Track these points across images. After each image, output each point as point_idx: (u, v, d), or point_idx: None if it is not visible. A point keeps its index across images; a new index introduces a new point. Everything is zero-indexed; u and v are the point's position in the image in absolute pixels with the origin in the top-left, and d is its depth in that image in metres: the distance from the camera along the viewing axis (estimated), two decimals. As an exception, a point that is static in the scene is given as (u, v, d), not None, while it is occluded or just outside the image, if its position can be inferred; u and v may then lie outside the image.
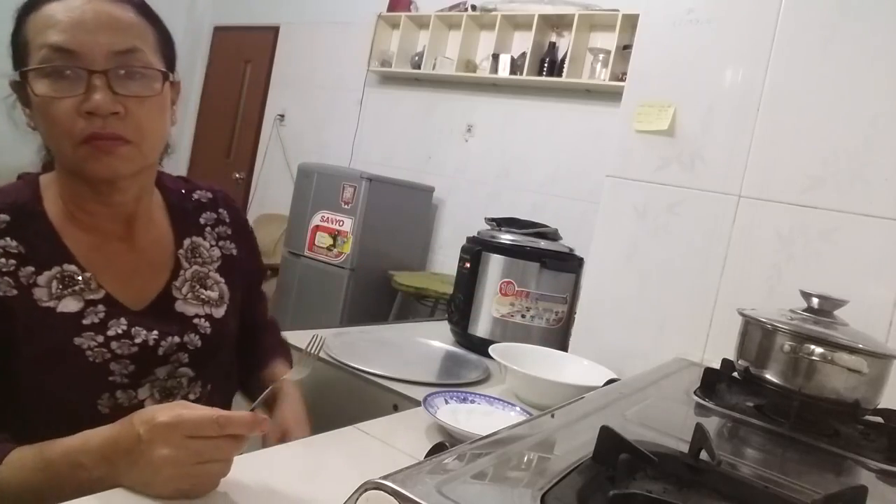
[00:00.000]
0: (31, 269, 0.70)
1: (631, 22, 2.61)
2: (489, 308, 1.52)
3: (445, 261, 3.41)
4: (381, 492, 0.41)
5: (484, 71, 3.28)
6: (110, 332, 0.73)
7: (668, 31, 1.30)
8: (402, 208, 3.27)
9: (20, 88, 0.72)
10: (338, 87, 3.98)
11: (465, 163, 3.43)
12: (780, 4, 1.17)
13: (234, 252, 0.91)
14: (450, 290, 1.69)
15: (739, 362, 0.93)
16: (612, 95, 2.77)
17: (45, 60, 0.68)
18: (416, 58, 3.52)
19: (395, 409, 1.05)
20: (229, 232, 0.91)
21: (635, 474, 0.53)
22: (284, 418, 0.86)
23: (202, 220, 0.89)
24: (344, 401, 1.13)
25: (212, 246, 0.88)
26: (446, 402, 0.94)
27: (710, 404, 0.86)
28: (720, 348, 1.13)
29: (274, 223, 4.02)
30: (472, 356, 1.37)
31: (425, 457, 0.53)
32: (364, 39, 3.71)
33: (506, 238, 1.58)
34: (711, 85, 1.24)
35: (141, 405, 0.74)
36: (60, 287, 0.71)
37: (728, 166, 1.21)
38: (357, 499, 0.42)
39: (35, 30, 0.70)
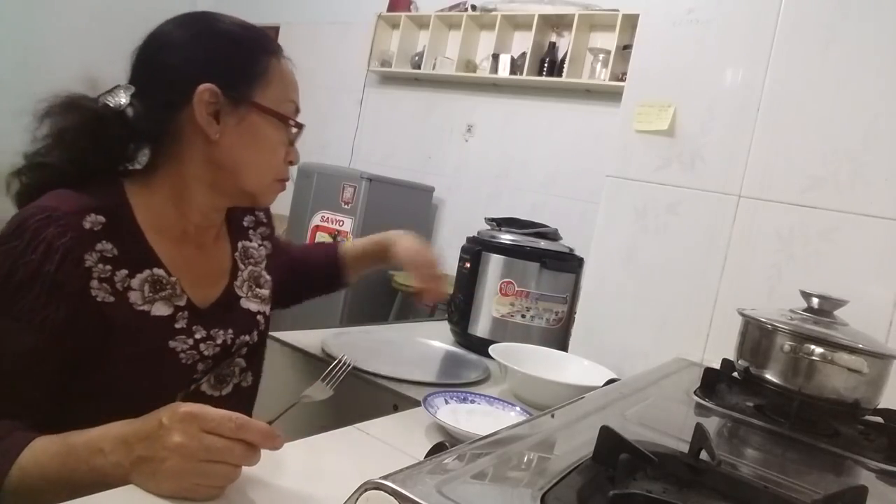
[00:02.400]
0: (124, 272, 0.72)
1: (631, 22, 2.60)
2: (489, 308, 1.51)
3: (445, 261, 3.41)
4: (381, 492, 0.41)
5: (484, 71, 3.28)
6: (197, 336, 0.78)
7: (668, 31, 1.30)
8: (402, 208, 3.26)
9: (232, 103, 0.77)
10: (338, 87, 3.98)
11: (465, 163, 3.43)
12: (780, 4, 1.17)
13: (271, 251, 0.99)
14: (450, 290, 1.69)
15: (739, 362, 0.93)
16: (612, 95, 2.77)
17: (291, 113, 0.82)
18: (416, 58, 3.51)
19: (395, 409, 1.05)
20: (268, 232, 1.00)
21: (635, 474, 0.53)
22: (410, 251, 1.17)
23: (245, 223, 0.96)
24: (344, 401, 1.12)
25: (259, 245, 0.96)
26: (446, 402, 0.94)
27: (710, 404, 0.86)
28: (720, 348, 1.13)
29: (274, 223, 4.01)
30: (472, 356, 1.37)
31: (425, 457, 0.53)
32: (364, 39, 3.70)
33: (506, 238, 1.58)
34: (711, 85, 1.24)
35: (197, 390, 0.81)
36: (151, 292, 0.75)
37: (728, 166, 1.21)
38: (357, 499, 0.42)
39: (280, 80, 0.81)
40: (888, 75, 1.07)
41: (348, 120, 3.96)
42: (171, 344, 0.75)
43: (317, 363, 1.19)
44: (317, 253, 1.21)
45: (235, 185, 0.81)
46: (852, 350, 0.79)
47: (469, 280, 1.54)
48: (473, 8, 3.31)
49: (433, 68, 3.41)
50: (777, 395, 0.86)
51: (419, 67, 3.47)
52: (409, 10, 3.60)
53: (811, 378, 0.82)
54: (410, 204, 3.35)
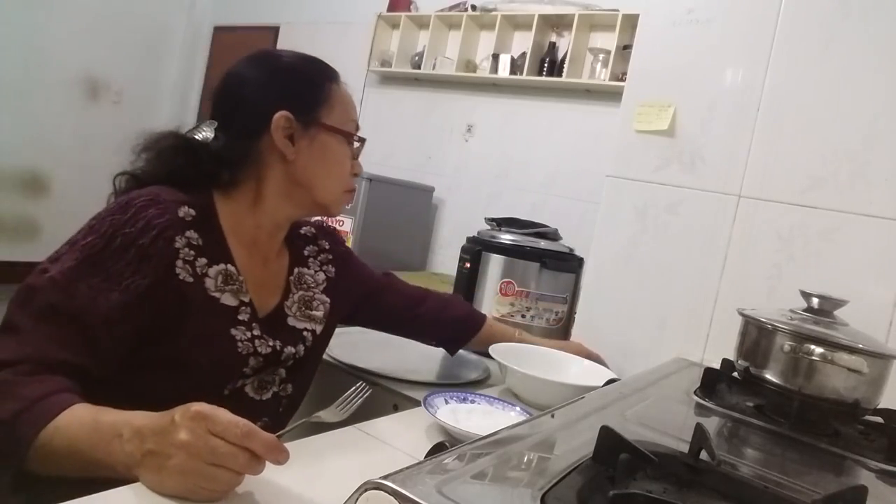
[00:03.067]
0: (204, 260, 0.81)
1: (631, 22, 2.60)
2: (489, 308, 1.52)
3: (445, 261, 3.40)
4: (381, 492, 0.41)
5: (484, 71, 3.28)
6: (255, 332, 0.85)
7: (668, 31, 1.30)
8: (402, 208, 3.26)
9: (303, 127, 0.87)
10: (338, 87, 3.97)
11: (465, 163, 3.43)
12: (780, 4, 1.17)
13: (333, 274, 1.04)
14: (450, 290, 1.69)
15: (739, 362, 0.93)
16: (612, 95, 2.77)
17: (353, 130, 0.93)
18: (416, 58, 3.51)
19: (395, 409, 1.05)
20: (330, 257, 1.06)
21: (635, 474, 0.53)
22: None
23: (306, 252, 1.03)
24: (344, 401, 1.12)
25: (316, 272, 1.02)
26: (446, 402, 0.94)
27: (710, 404, 0.86)
28: (720, 348, 1.13)
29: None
30: (472, 356, 1.37)
31: (425, 457, 0.53)
32: (364, 39, 3.70)
33: (506, 238, 1.58)
34: (711, 85, 1.24)
35: (242, 391, 0.86)
36: (223, 283, 0.83)
37: (728, 166, 1.21)
38: (357, 499, 0.42)
39: (340, 102, 0.91)
40: (888, 75, 1.07)
41: (348, 120, 3.96)
42: (233, 332, 0.83)
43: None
44: (454, 310, 1.24)
45: (310, 197, 0.91)
46: (852, 350, 0.79)
47: (469, 280, 1.54)
48: (473, 8, 3.31)
49: (433, 68, 3.41)
50: (777, 395, 0.86)
51: (419, 67, 3.46)
52: (409, 10, 3.60)
53: (811, 378, 0.82)
54: (410, 204, 3.35)
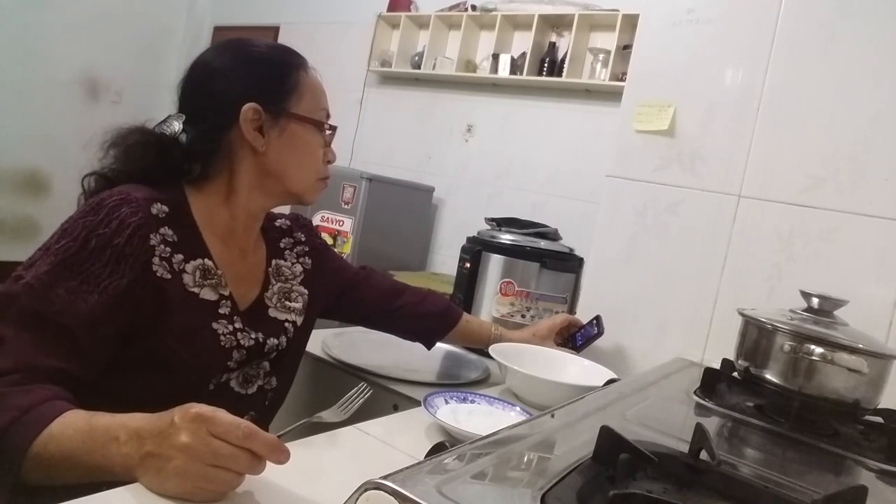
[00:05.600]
0: (181, 256, 0.81)
1: (631, 22, 2.60)
2: (489, 308, 1.52)
3: (445, 261, 3.40)
4: (381, 492, 0.41)
5: (484, 71, 3.27)
6: (236, 325, 0.85)
7: (668, 31, 1.30)
8: (402, 208, 3.26)
9: (272, 117, 0.86)
10: (338, 87, 3.95)
11: (465, 163, 3.42)
12: (780, 4, 1.17)
13: (310, 266, 1.04)
14: (450, 290, 1.69)
15: (739, 362, 0.93)
16: (612, 95, 2.76)
17: (324, 118, 0.93)
18: (416, 58, 3.51)
19: (395, 409, 1.05)
20: (306, 249, 1.06)
21: (635, 474, 0.53)
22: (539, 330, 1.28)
23: (282, 245, 1.03)
24: (344, 401, 1.12)
25: (293, 263, 1.02)
26: (446, 402, 0.94)
27: (710, 404, 0.86)
28: (720, 348, 1.13)
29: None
30: (472, 356, 1.37)
31: (425, 457, 0.53)
32: (364, 39, 3.70)
33: (506, 238, 1.58)
34: (711, 85, 1.24)
35: (227, 385, 0.86)
36: (201, 278, 0.83)
37: (728, 166, 1.21)
38: (357, 499, 0.42)
39: (310, 90, 0.91)
40: (888, 75, 1.07)
41: (348, 120, 3.95)
42: (214, 326, 0.83)
43: (317, 363, 1.19)
44: (431, 305, 1.21)
45: (283, 187, 0.91)
46: (852, 350, 0.79)
47: (469, 280, 1.54)
48: (473, 8, 3.31)
49: (433, 68, 3.40)
50: (777, 395, 0.86)
51: (419, 67, 3.46)
52: (409, 10, 3.60)
53: (811, 378, 0.82)
54: (410, 204, 3.34)
